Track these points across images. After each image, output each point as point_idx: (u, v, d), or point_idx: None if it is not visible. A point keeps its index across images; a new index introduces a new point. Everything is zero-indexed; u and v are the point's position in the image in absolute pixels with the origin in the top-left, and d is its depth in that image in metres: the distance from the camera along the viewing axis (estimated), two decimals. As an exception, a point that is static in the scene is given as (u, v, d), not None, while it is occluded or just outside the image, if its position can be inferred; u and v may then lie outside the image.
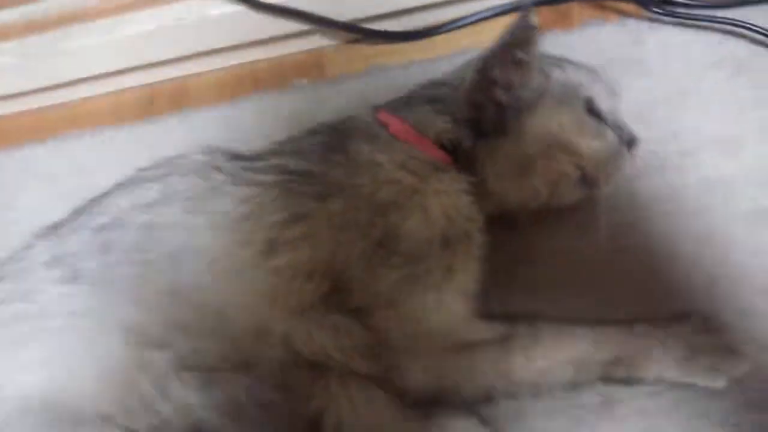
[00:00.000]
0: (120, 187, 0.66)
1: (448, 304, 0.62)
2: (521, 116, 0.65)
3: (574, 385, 0.62)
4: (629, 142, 0.69)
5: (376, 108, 0.69)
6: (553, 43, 0.83)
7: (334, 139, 0.66)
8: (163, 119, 0.90)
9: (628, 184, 0.73)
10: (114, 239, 0.61)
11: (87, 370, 0.57)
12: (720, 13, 0.81)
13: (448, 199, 0.64)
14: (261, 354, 0.59)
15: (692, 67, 0.79)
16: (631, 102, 0.77)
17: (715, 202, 0.71)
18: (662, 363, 0.61)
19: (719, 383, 0.61)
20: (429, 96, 0.69)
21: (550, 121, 0.65)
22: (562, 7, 0.88)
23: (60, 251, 0.61)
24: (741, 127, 0.75)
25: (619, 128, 0.69)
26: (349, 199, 0.61)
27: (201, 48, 0.90)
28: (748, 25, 0.78)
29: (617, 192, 0.72)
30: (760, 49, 0.79)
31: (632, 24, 0.84)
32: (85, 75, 0.91)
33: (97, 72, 0.91)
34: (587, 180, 0.67)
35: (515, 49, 0.62)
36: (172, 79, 0.94)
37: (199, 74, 0.94)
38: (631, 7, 0.84)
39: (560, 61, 0.69)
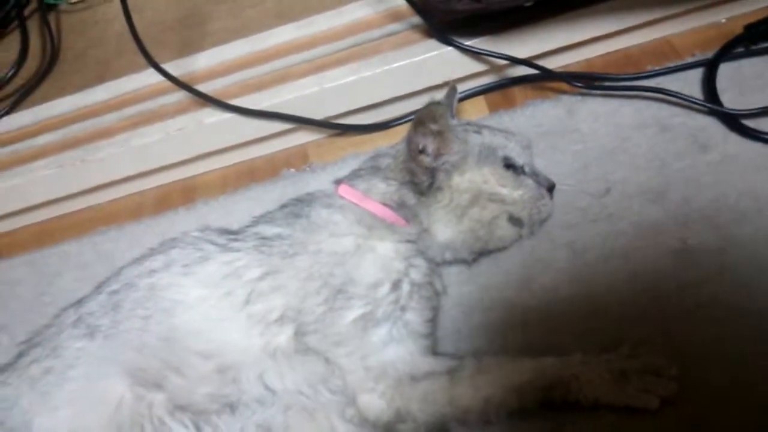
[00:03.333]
0: (133, 261, 0.79)
1: (401, 338, 0.71)
2: (452, 175, 0.77)
3: (518, 411, 0.67)
4: (549, 186, 0.81)
5: (338, 181, 0.82)
6: (500, 121, 0.96)
7: (298, 208, 0.79)
8: (175, 212, 1.04)
9: (568, 233, 0.82)
10: (123, 300, 0.72)
11: (99, 410, 0.66)
12: (639, 82, 0.92)
13: (393, 246, 0.74)
14: (242, 393, 0.68)
15: (620, 130, 0.90)
16: (568, 163, 0.88)
17: (646, 243, 0.78)
18: (596, 387, 0.66)
19: (652, 404, 0.65)
20: (375, 166, 0.82)
21: (475, 177, 0.77)
22: (507, 91, 1.01)
23: (82, 312, 0.73)
24: (665, 177, 0.83)
25: (536, 175, 0.81)
26: (313, 254, 0.72)
27: (202, 151, 1.05)
28: (665, 91, 0.89)
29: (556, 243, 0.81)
30: (677, 110, 0.89)
31: (566, 99, 0.96)
32: (109, 180, 1.06)
33: (119, 177, 1.06)
34: (515, 220, 0.79)
35: (428, 122, 0.75)
36: (183, 179, 1.09)
37: (205, 173, 1.09)
38: (564, 85, 0.96)
39: (480, 128, 0.82)
